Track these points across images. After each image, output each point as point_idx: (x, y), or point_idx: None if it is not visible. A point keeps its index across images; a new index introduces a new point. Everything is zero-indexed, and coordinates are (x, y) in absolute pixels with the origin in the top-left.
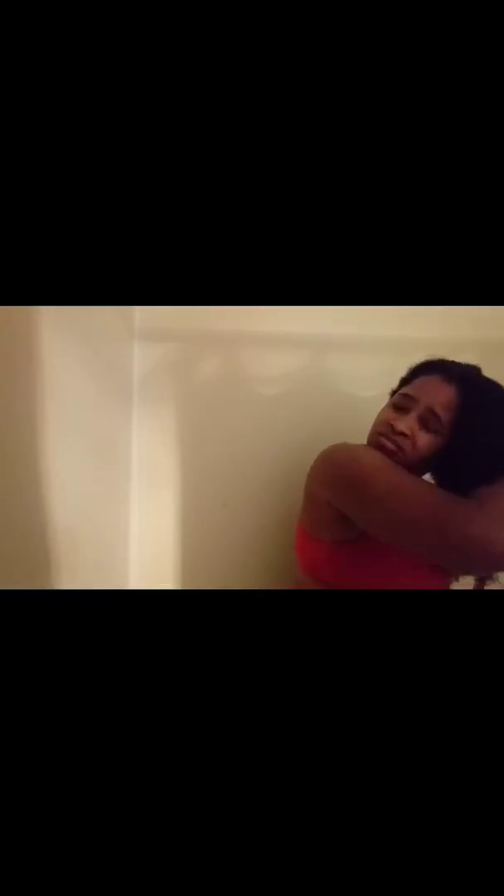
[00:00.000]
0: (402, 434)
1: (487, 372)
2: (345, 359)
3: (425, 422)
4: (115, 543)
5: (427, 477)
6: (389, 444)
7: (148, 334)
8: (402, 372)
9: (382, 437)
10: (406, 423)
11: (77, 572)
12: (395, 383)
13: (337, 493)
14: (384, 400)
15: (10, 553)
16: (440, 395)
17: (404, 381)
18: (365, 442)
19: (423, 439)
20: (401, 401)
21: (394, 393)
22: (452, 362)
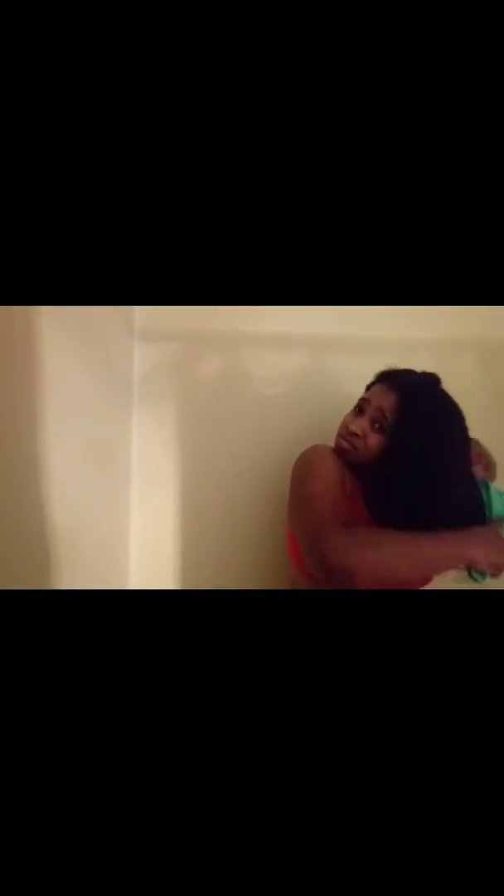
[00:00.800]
0: (355, 434)
1: (487, 372)
2: (345, 359)
3: (375, 423)
4: (115, 543)
5: None
6: (345, 444)
7: (148, 334)
8: None
9: (341, 437)
10: (358, 424)
11: (77, 572)
12: None
13: (290, 489)
14: None
15: (10, 553)
16: (385, 400)
17: (369, 386)
18: None
19: (374, 439)
20: (360, 404)
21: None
22: (404, 372)
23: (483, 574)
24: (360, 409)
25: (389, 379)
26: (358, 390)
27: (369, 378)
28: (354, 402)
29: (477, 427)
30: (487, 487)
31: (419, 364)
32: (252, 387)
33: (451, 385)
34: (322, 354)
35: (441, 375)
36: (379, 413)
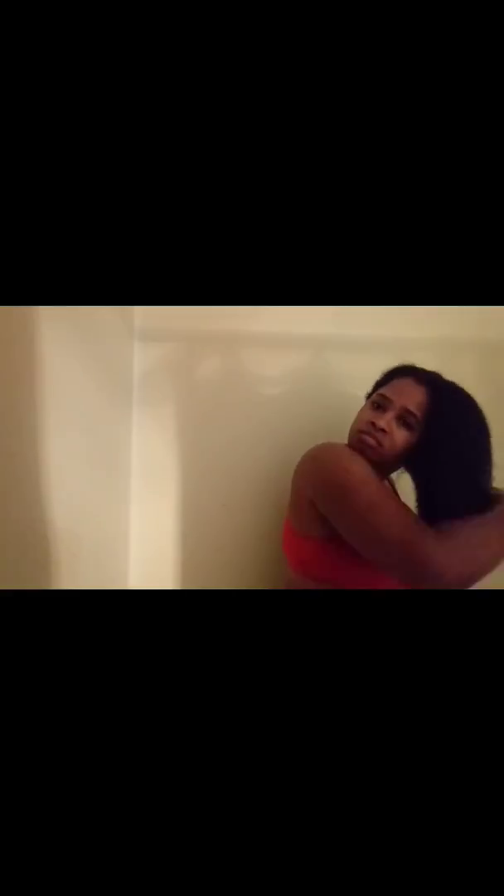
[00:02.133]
0: (382, 430)
1: (487, 372)
2: (345, 359)
3: (402, 419)
4: (115, 543)
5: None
6: (371, 441)
7: (148, 334)
8: None
9: (364, 434)
10: (385, 420)
11: (77, 572)
12: None
13: (321, 497)
14: None
15: (10, 553)
16: (414, 396)
17: (379, 384)
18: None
19: (400, 435)
20: (379, 400)
21: (369, 395)
22: (420, 368)
23: None
24: (379, 406)
25: (412, 374)
26: (358, 390)
27: (369, 378)
28: (354, 401)
29: (481, 450)
30: None
31: (419, 364)
32: (252, 387)
33: None
34: (322, 354)
35: (441, 375)
36: (405, 411)
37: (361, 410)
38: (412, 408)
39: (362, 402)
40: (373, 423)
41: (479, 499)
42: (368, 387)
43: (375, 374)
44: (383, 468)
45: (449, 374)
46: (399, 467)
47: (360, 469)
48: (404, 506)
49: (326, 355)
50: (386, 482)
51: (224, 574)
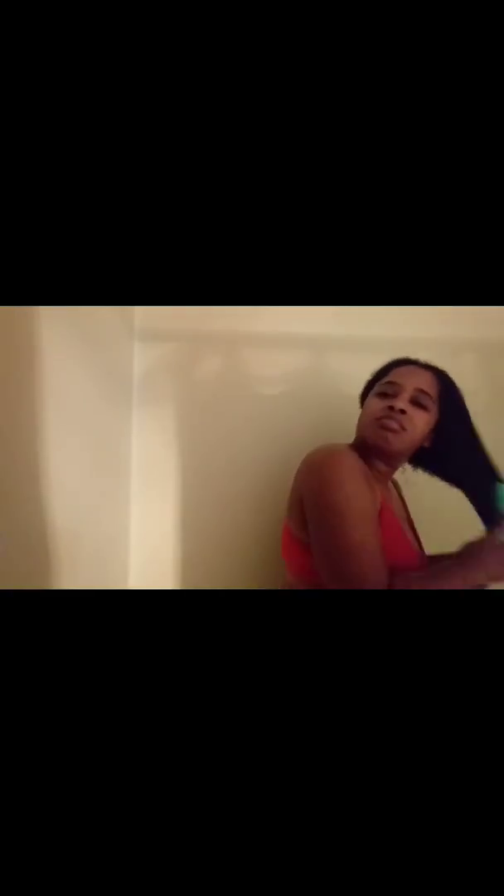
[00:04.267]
0: (402, 411)
1: (487, 372)
2: (345, 359)
3: (417, 400)
4: (115, 543)
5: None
6: (395, 425)
7: (148, 334)
8: None
9: (384, 419)
10: (403, 402)
11: (77, 572)
12: None
13: (308, 505)
14: None
15: (10, 553)
16: (423, 377)
17: (377, 378)
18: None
19: (419, 416)
20: (387, 389)
21: (365, 392)
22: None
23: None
24: (387, 394)
25: (411, 362)
26: (358, 390)
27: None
28: (354, 401)
29: (477, 427)
30: (500, 487)
31: None
32: (252, 387)
33: None
34: (322, 354)
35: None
36: (418, 392)
37: (370, 402)
38: (425, 387)
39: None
40: (391, 408)
41: (487, 470)
42: None
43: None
44: (399, 457)
45: (449, 374)
46: (409, 456)
47: (360, 498)
48: (381, 557)
49: (326, 355)
50: (392, 489)
51: (224, 574)
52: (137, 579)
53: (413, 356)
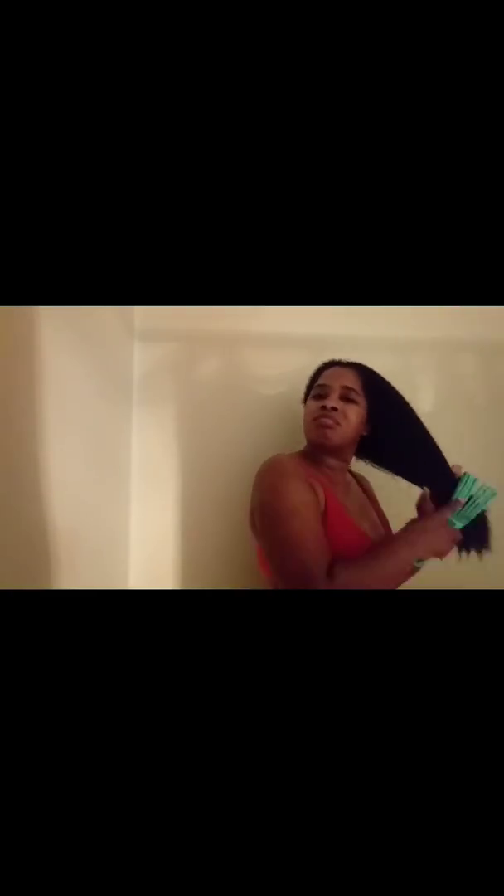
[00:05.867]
0: (333, 408)
1: (487, 372)
2: (345, 359)
3: (345, 396)
4: (115, 543)
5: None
6: (329, 421)
7: (148, 334)
8: (404, 372)
9: (319, 419)
10: (332, 401)
11: (77, 572)
12: (395, 383)
13: (257, 514)
14: None
15: (10, 553)
16: (347, 375)
17: (311, 383)
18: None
19: (350, 410)
20: (319, 391)
21: (305, 398)
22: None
23: (421, 560)
24: (320, 395)
25: (335, 364)
26: None
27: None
28: None
29: (477, 427)
30: (466, 476)
31: (419, 364)
32: (252, 387)
33: (451, 385)
34: (322, 354)
35: (441, 375)
36: (345, 389)
37: (307, 406)
38: (350, 384)
39: None
40: (323, 407)
41: (431, 456)
42: None
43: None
44: (343, 450)
45: (449, 374)
46: (354, 447)
47: (291, 495)
48: (318, 541)
49: (326, 355)
50: (348, 477)
51: (223, 574)
52: (137, 579)
53: (413, 356)
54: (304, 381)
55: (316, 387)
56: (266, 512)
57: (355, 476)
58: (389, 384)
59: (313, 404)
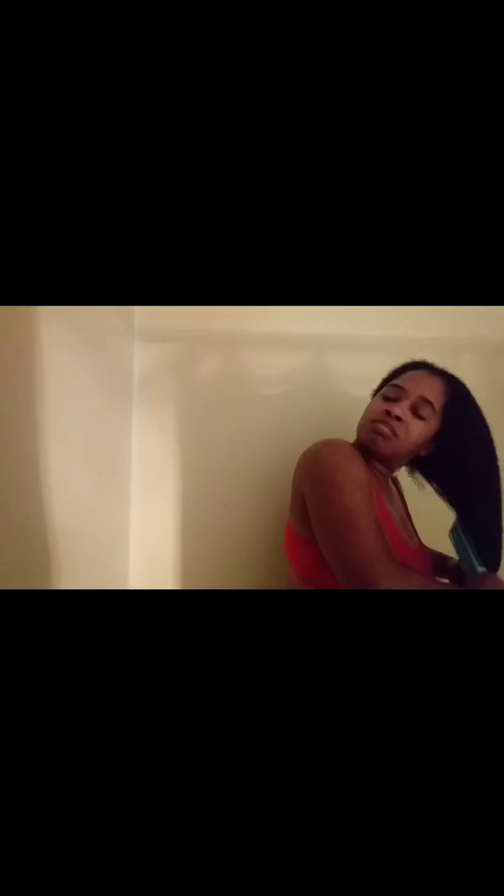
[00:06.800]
0: (397, 419)
1: (487, 372)
2: (345, 359)
3: (417, 409)
4: (115, 543)
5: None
6: (386, 429)
7: (148, 334)
8: None
9: (378, 423)
10: (401, 409)
11: (77, 572)
12: None
13: (310, 495)
14: None
15: (10, 553)
16: (431, 385)
17: (389, 379)
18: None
19: (416, 425)
20: (391, 392)
21: (377, 390)
22: (432, 363)
23: None
24: (389, 398)
25: (425, 367)
26: (358, 390)
27: (370, 378)
28: (354, 402)
29: (494, 451)
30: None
31: None
32: (252, 387)
33: None
34: (322, 354)
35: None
36: (422, 400)
37: (371, 403)
38: (429, 396)
39: (362, 402)
40: (387, 412)
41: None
42: (368, 387)
43: (376, 374)
44: (393, 461)
45: (464, 384)
46: (405, 462)
47: (355, 472)
48: (379, 526)
49: (327, 355)
50: (391, 484)
51: (224, 574)
52: (137, 579)
53: (413, 356)
54: (305, 381)
55: (391, 385)
56: (322, 485)
57: (395, 482)
58: (477, 407)
59: (378, 404)
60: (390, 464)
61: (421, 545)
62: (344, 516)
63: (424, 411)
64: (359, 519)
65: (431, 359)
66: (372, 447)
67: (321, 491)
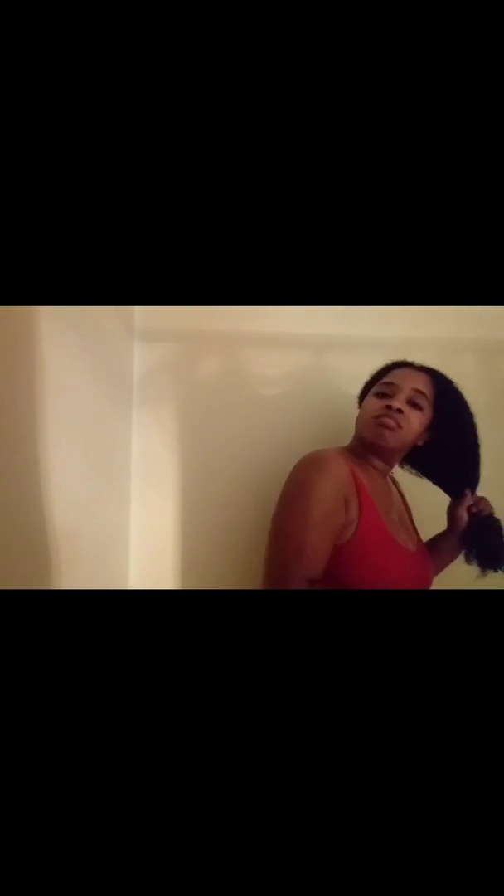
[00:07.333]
0: (399, 411)
1: (487, 372)
2: (345, 359)
3: (413, 400)
4: (115, 543)
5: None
6: (391, 422)
7: (148, 334)
8: None
9: (382, 417)
10: (399, 402)
11: (77, 572)
12: None
13: (282, 493)
14: None
15: (10, 553)
16: (419, 379)
17: (375, 380)
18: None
19: (415, 415)
20: (385, 389)
21: (363, 394)
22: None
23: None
24: (385, 394)
25: (407, 365)
26: (358, 390)
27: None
28: (354, 402)
29: (477, 427)
30: None
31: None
32: (252, 387)
33: None
34: (322, 354)
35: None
36: (415, 392)
37: (368, 402)
38: (421, 388)
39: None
40: (388, 406)
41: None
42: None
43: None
44: (395, 454)
45: (449, 374)
46: (404, 454)
47: (327, 490)
48: (322, 548)
49: (326, 355)
50: (389, 482)
51: (224, 574)
52: (137, 579)
53: (413, 356)
54: (305, 381)
55: (381, 384)
56: (289, 501)
57: (395, 482)
58: (462, 398)
59: (376, 402)
60: (391, 458)
61: (420, 545)
62: (285, 537)
63: (421, 401)
64: (307, 531)
65: (431, 359)
66: (379, 442)
67: (283, 505)
